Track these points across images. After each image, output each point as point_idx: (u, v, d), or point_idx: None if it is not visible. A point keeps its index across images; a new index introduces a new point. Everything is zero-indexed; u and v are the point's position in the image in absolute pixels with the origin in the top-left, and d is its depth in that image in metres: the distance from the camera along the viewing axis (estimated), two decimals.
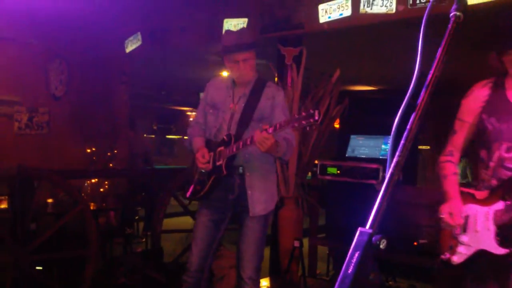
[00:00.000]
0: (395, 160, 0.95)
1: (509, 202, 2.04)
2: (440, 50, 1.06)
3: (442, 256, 2.22)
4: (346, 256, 0.90)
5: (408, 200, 3.75)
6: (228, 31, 3.09)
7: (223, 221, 3.04)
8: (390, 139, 0.99)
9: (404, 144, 0.96)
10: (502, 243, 2.04)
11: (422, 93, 1.01)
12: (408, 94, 1.03)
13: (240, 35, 2.95)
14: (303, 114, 2.49)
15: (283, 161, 3.06)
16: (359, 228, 0.90)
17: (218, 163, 2.88)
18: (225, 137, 2.91)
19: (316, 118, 2.45)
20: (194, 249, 3.00)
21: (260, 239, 2.97)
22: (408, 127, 0.98)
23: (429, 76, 1.03)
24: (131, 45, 6.43)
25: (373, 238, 0.88)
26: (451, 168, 2.32)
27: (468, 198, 2.21)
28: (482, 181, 2.24)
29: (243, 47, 2.87)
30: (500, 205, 2.08)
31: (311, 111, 2.46)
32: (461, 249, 2.14)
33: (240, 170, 2.91)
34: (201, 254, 2.99)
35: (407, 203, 3.72)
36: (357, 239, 0.89)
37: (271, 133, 2.60)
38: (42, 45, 5.98)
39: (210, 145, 2.99)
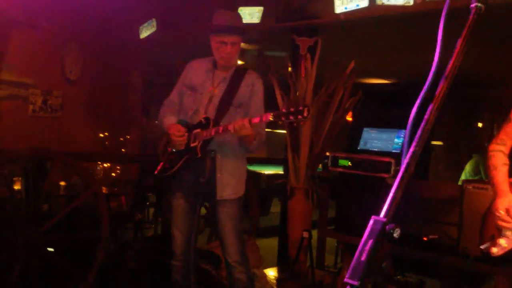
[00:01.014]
0: (411, 150, 0.94)
1: None
2: (460, 41, 1.05)
3: (482, 246, 2.18)
4: (355, 248, 0.90)
5: (419, 195, 3.73)
6: (221, 11, 3.02)
7: (197, 203, 3.07)
8: (406, 129, 0.99)
9: (420, 135, 0.96)
10: None
11: (441, 83, 1.01)
12: (426, 85, 1.02)
13: (234, 17, 2.98)
14: (292, 109, 2.51)
15: (249, 152, 3.05)
16: (373, 216, 0.91)
17: (192, 145, 2.88)
18: (202, 120, 2.90)
19: (306, 115, 2.47)
20: (176, 233, 3.03)
21: (237, 223, 2.99)
22: (425, 117, 0.98)
23: (448, 67, 1.02)
24: (146, 31, 6.44)
25: (387, 227, 0.89)
26: (502, 158, 2.20)
27: None
28: None
29: (236, 30, 2.90)
30: None
31: (300, 108, 2.49)
32: (502, 241, 2.09)
33: (213, 154, 2.92)
34: (184, 237, 3.02)
35: (418, 197, 3.70)
36: (371, 227, 0.89)
37: (254, 124, 2.64)
38: (58, 29, 6.01)
39: (184, 126, 2.96)
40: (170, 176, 2.97)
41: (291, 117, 2.52)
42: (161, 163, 3.02)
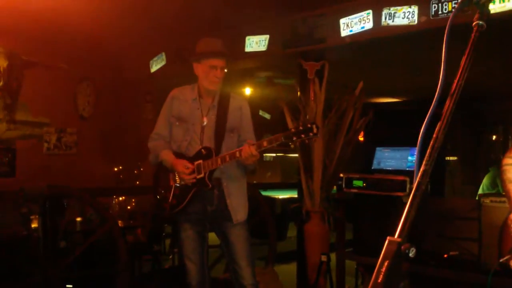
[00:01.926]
0: (422, 168, 0.95)
1: None
2: (464, 58, 1.06)
3: (501, 260, 2.16)
4: (374, 269, 0.90)
5: (437, 212, 3.69)
6: (207, 39, 3.08)
7: (205, 231, 3.06)
8: (416, 149, 1.00)
9: (430, 153, 0.96)
10: None
11: (447, 102, 1.02)
12: (433, 104, 1.03)
13: (220, 43, 3.05)
14: (301, 128, 2.53)
15: (250, 170, 3.06)
16: (388, 237, 0.91)
17: (199, 176, 2.87)
18: (202, 150, 2.90)
19: (315, 131, 2.50)
20: (189, 264, 3.01)
21: (249, 245, 3.01)
22: (434, 135, 0.99)
23: (454, 85, 1.04)
24: (156, 65, 6.56)
25: (402, 247, 0.89)
26: None
27: None
28: None
29: (225, 54, 2.98)
30: None
31: (309, 125, 2.51)
32: None
33: (218, 181, 2.93)
34: (198, 266, 3.01)
35: (435, 214, 3.66)
36: (386, 248, 0.89)
37: (261, 149, 2.68)
38: (70, 68, 6.15)
39: (182, 158, 2.95)
40: (180, 210, 2.96)
41: (302, 135, 2.53)
42: (169, 200, 3.01)
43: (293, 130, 2.59)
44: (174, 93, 3.11)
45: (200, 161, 2.88)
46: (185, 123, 3.00)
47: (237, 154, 2.73)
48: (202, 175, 2.87)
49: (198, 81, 3.04)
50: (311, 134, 2.53)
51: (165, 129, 3.10)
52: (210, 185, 2.86)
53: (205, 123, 2.97)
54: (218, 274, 4.73)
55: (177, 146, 3.02)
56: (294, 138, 2.58)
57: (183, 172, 2.88)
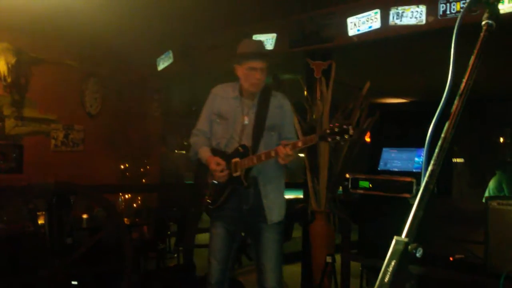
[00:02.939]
0: (430, 168, 0.94)
1: None
2: (472, 58, 1.05)
3: None
4: (380, 271, 0.90)
5: (443, 214, 3.67)
6: (248, 40, 3.10)
7: (237, 231, 3.04)
8: (424, 149, 0.99)
9: (438, 153, 0.96)
10: None
11: (456, 102, 1.01)
12: (441, 103, 1.03)
13: (260, 44, 3.06)
14: (336, 129, 2.49)
15: (291, 170, 3.05)
16: (395, 237, 0.90)
17: (235, 174, 2.87)
18: (240, 148, 2.89)
19: (351, 133, 2.46)
20: (213, 262, 2.99)
21: (279, 248, 2.98)
22: (442, 135, 0.98)
23: (463, 85, 1.03)
24: (163, 63, 6.57)
25: (409, 247, 0.88)
26: None
27: None
28: None
29: (264, 55, 2.95)
30: None
31: (345, 126, 2.47)
32: None
33: (255, 180, 2.91)
34: (221, 266, 2.99)
35: (442, 216, 3.64)
36: (393, 247, 0.89)
37: (296, 149, 2.66)
38: (78, 65, 6.18)
39: (220, 155, 2.95)
40: (217, 209, 2.96)
41: (337, 137, 2.50)
42: (206, 196, 3.02)
43: (328, 131, 2.56)
44: (216, 90, 3.12)
45: (237, 159, 2.87)
46: (225, 120, 3.00)
47: (272, 153, 2.72)
48: (238, 173, 2.86)
49: (240, 80, 3.03)
50: (346, 136, 2.49)
51: (206, 125, 3.10)
52: (246, 184, 2.85)
53: (246, 121, 2.97)
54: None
55: (217, 143, 3.03)
56: (329, 139, 2.54)
57: (215, 170, 2.88)
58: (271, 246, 2.94)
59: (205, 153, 2.98)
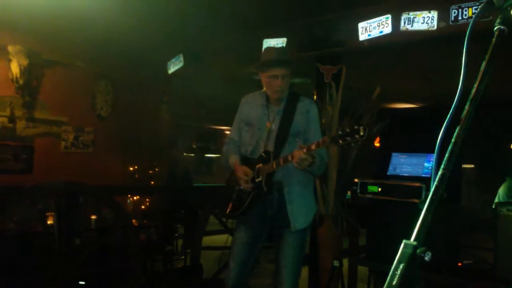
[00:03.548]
0: (440, 173, 0.94)
1: None
2: (484, 64, 1.05)
3: None
4: (387, 276, 0.90)
5: (453, 220, 3.65)
6: (270, 48, 3.16)
7: (260, 236, 3.04)
8: (434, 153, 0.99)
9: (449, 157, 0.96)
10: None
11: (467, 106, 1.01)
12: (452, 108, 1.03)
13: (282, 51, 3.08)
14: (347, 130, 2.48)
15: (315, 175, 3.05)
16: (404, 240, 0.90)
17: (257, 180, 2.90)
18: (263, 154, 2.93)
19: (362, 134, 2.44)
20: (232, 264, 3.01)
21: (299, 255, 2.97)
22: (452, 140, 0.98)
23: (474, 90, 1.03)
24: (174, 67, 6.60)
25: (418, 250, 0.88)
26: None
27: None
28: None
29: (285, 62, 2.95)
30: None
31: (356, 127, 2.46)
32: None
33: (279, 185, 2.92)
34: (239, 270, 2.99)
35: (451, 222, 3.62)
36: (402, 251, 0.89)
37: (311, 151, 2.64)
38: (89, 68, 6.23)
39: (246, 162, 3.00)
40: (242, 213, 2.99)
41: (348, 138, 2.49)
42: (231, 202, 3.06)
43: (339, 132, 2.53)
44: (246, 99, 3.18)
45: (260, 164, 2.92)
46: (252, 127, 3.06)
47: (289, 157, 2.72)
48: (260, 179, 2.90)
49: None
50: (357, 136, 2.45)
51: (236, 133, 3.18)
52: (266, 189, 2.86)
53: (271, 128, 2.99)
54: None
55: (245, 149, 3.09)
56: (341, 141, 2.52)
57: (242, 178, 2.94)
58: (292, 252, 2.94)
59: (233, 161, 3.05)
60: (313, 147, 2.64)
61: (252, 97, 3.16)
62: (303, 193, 2.99)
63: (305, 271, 5.28)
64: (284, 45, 5.19)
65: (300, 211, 2.94)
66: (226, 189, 3.21)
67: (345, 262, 4.41)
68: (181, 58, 6.46)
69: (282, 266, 2.93)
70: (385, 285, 0.86)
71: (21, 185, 4.50)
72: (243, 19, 5.21)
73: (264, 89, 3.05)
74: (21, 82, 5.62)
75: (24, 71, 5.64)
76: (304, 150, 2.63)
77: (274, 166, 2.82)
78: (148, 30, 5.62)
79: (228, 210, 3.08)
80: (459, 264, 3.51)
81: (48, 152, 5.89)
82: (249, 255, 3.02)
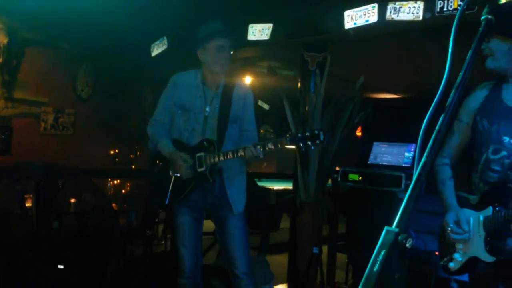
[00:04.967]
0: (422, 160, 0.94)
1: (498, 208, 1.99)
2: (471, 52, 1.05)
3: (442, 262, 2.17)
4: (366, 264, 0.90)
5: (430, 209, 3.70)
6: (208, 22, 2.91)
7: (201, 217, 3.01)
8: (418, 141, 0.99)
9: (432, 145, 0.96)
10: (491, 251, 1.97)
11: (452, 94, 1.01)
12: (437, 97, 1.03)
13: (222, 23, 2.91)
14: (307, 134, 2.48)
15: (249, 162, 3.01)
16: (386, 227, 0.90)
17: (199, 170, 2.80)
18: (205, 143, 2.82)
19: (322, 139, 2.45)
20: (183, 250, 2.94)
21: (246, 234, 2.96)
22: (437, 128, 0.98)
23: (459, 78, 1.03)
24: (157, 49, 6.52)
25: (399, 237, 0.88)
26: (448, 172, 2.23)
27: (463, 202, 2.15)
28: (473, 184, 2.18)
29: (229, 32, 2.87)
30: (489, 211, 2.01)
31: (316, 132, 2.45)
32: (456, 255, 2.09)
33: (220, 172, 2.87)
34: (192, 253, 2.95)
35: (428, 211, 3.66)
36: (383, 237, 0.89)
37: (266, 150, 2.61)
38: (70, 48, 6.11)
39: (183, 148, 2.86)
40: (181, 201, 2.89)
41: (308, 142, 2.48)
42: (168, 190, 2.91)
43: (299, 135, 2.52)
44: (176, 79, 2.99)
45: (202, 153, 2.80)
46: (187, 111, 2.89)
47: (241, 152, 2.66)
48: (203, 169, 2.79)
49: (203, 67, 2.91)
50: (317, 141, 2.45)
51: (165, 115, 2.99)
52: (211, 180, 2.80)
53: (208, 112, 2.86)
54: (209, 261, 4.74)
55: (178, 134, 2.92)
56: (301, 144, 2.51)
57: (182, 166, 2.80)
58: (239, 232, 2.91)
59: (167, 147, 2.88)
60: (269, 145, 2.59)
61: (183, 77, 2.97)
62: (241, 177, 2.96)
63: (284, 258, 5.33)
64: (269, 30, 5.16)
65: (239, 195, 2.92)
66: (157, 177, 3.02)
67: (325, 249, 4.45)
68: (165, 41, 6.38)
69: (234, 249, 2.90)
70: (366, 271, 0.86)
71: None
72: (229, 3, 5.16)
73: (207, 65, 2.87)
74: (0, 60, 5.50)
75: (4, 49, 5.51)
76: (257, 149, 2.60)
77: (222, 157, 2.74)
78: (132, 12, 5.52)
79: (167, 199, 2.90)
80: (436, 253, 3.57)
81: (27, 133, 5.80)
82: (197, 237, 2.99)
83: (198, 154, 2.81)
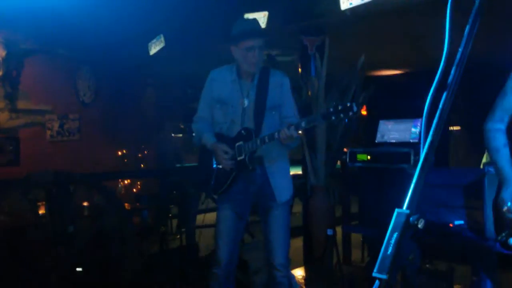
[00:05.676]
0: (429, 139, 0.95)
1: None
2: (469, 27, 1.04)
3: (500, 238, 1.98)
4: (380, 242, 0.90)
5: (441, 182, 3.70)
6: (240, 20, 3.00)
7: (245, 212, 3.04)
8: (422, 120, 0.99)
9: (437, 124, 0.96)
10: None
11: (453, 71, 1.01)
12: (438, 74, 1.02)
13: (255, 22, 2.97)
14: (340, 107, 2.47)
15: (291, 148, 3.02)
16: (396, 209, 0.91)
17: (239, 158, 2.85)
18: (243, 131, 2.87)
19: (355, 110, 2.44)
20: (220, 243, 2.98)
21: (288, 225, 2.99)
22: (440, 106, 0.98)
23: (459, 54, 1.02)
24: (155, 47, 6.50)
25: (411, 218, 0.89)
26: (502, 138, 1.97)
27: None
28: None
29: (261, 33, 2.90)
30: None
31: (348, 104, 2.45)
32: None
33: (260, 160, 2.90)
34: (229, 247, 2.98)
35: (440, 185, 3.66)
36: (395, 220, 0.89)
37: (300, 129, 2.64)
38: (68, 54, 6.12)
39: (223, 140, 2.93)
40: (224, 192, 2.95)
41: (341, 115, 2.48)
42: (212, 182, 3.00)
43: (331, 109, 2.51)
44: (213, 75, 3.05)
45: (241, 142, 2.86)
46: (226, 105, 2.96)
47: (276, 135, 2.70)
48: (242, 157, 2.85)
49: (238, 62, 2.95)
50: (351, 113, 2.44)
51: (206, 111, 3.06)
52: (251, 167, 2.84)
53: (246, 104, 2.92)
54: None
55: (219, 128, 3.00)
56: (333, 118, 2.50)
57: (222, 157, 2.87)
58: (281, 224, 2.95)
59: (209, 140, 2.96)
60: (303, 124, 2.62)
61: (219, 73, 3.04)
62: (284, 166, 2.99)
63: (299, 242, 5.35)
64: (265, 18, 5.13)
65: (283, 183, 2.95)
66: (202, 169, 3.13)
67: (339, 230, 4.47)
68: (162, 39, 6.36)
69: (274, 239, 2.94)
70: (380, 255, 0.87)
71: (9, 177, 4.46)
72: None
73: (238, 62, 2.93)
74: (0, 73, 5.51)
75: (3, 62, 5.53)
76: (293, 128, 2.61)
77: (259, 143, 2.78)
78: (129, 13, 5.50)
79: (209, 190, 3.02)
80: (450, 225, 3.58)
81: (35, 143, 5.84)
82: (237, 232, 3.02)
83: (238, 144, 2.88)
